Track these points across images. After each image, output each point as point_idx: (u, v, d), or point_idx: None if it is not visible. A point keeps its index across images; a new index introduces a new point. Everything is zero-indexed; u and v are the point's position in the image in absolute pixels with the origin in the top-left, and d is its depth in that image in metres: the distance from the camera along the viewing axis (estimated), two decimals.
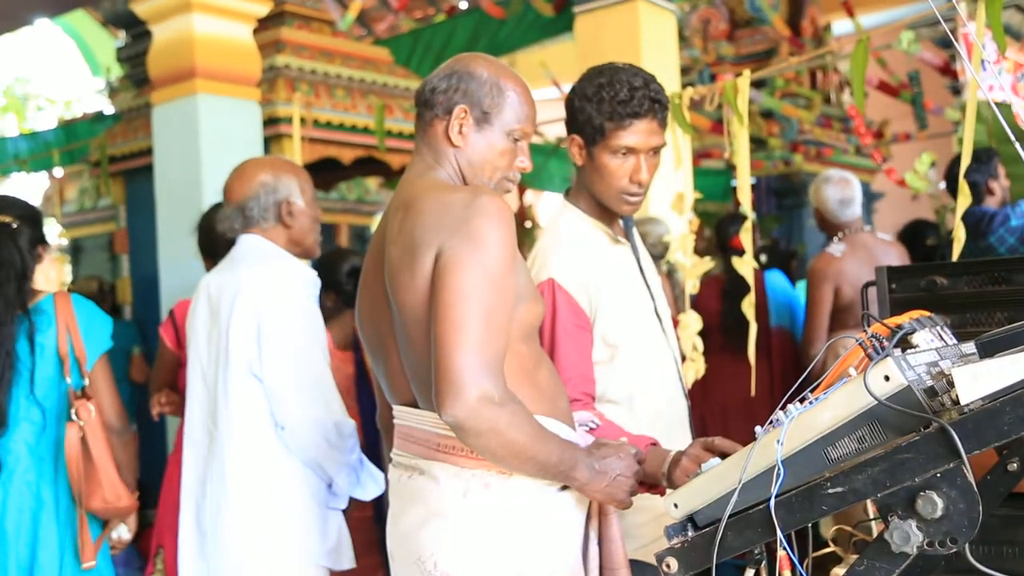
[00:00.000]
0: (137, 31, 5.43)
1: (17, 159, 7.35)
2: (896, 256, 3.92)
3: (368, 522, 3.62)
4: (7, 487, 2.46)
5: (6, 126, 15.06)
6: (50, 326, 2.52)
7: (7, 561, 2.42)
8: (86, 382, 2.54)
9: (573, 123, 2.08)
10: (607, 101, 1.99)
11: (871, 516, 1.48)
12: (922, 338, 1.29)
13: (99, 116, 7.05)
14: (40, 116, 15.37)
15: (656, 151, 2.06)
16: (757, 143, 7.70)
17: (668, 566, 1.30)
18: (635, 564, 1.86)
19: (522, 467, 1.54)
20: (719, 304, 4.41)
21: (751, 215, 3.08)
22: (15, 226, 2.52)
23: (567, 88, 2.17)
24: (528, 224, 7.33)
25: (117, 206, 5.32)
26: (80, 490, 2.46)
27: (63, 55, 14.68)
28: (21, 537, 2.45)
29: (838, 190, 3.93)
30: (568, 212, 2.15)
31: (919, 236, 4.71)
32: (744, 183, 2.99)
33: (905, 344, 1.27)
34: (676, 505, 1.35)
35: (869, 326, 1.35)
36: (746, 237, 3.05)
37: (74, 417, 2.46)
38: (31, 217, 2.58)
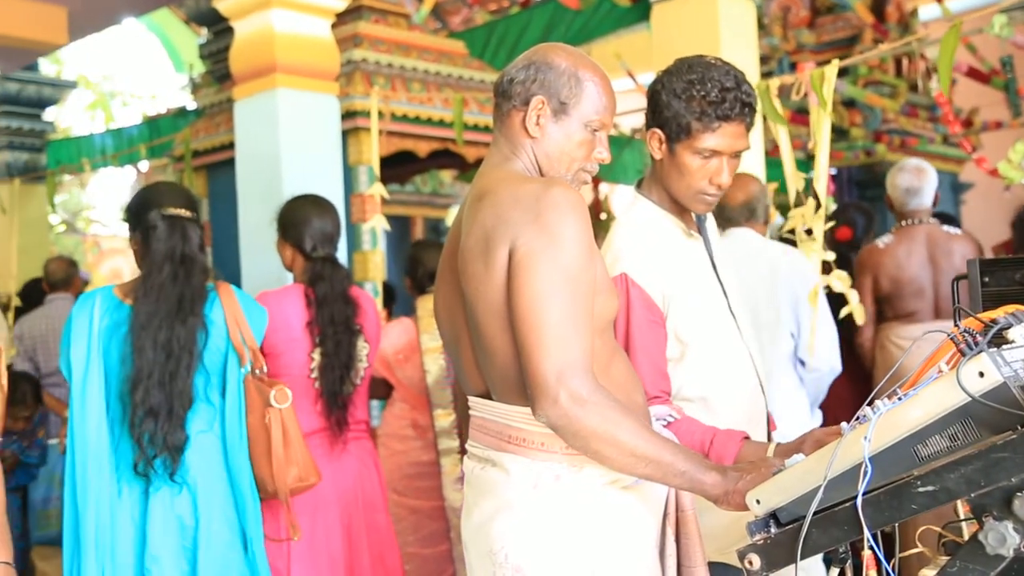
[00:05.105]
0: (219, 28, 5.55)
1: (105, 154, 7.59)
2: (962, 250, 3.85)
3: (439, 511, 3.65)
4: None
5: (95, 122, 15.57)
6: (220, 317, 2.61)
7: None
8: (258, 371, 2.64)
9: (657, 117, 2.01)
10: (697, 100, 1.93)
11: (962, 516, 1.43)
12: (1018, 333, 1.24)
13: (182, 112, 7.24)
14: (126, 112, 15.84)
15: (739, 154, 2.00)
16: (838, 133, 7.52)
17: (751, 563, 1.28)
18: (716, 566, 1.83)
19: (635, 467, 1.50)
20: None
21: (824, 206, 3.02)
22: (192, 218, 2.63)
23: (642, 79, 2.13)
24: (603, 216, 7.29)
25: (200, 200, 5.45)
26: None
27: (147, 52, 15.11)
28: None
29: (907, 178, 3.90)
30: (640, 204, 2.10)
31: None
32: (821, 172, 2.93)
33: (1000, 340, 1.23)
34: (758, 501, 1.33)
35: (961, 320, 1.31)
36: (818, 226, 3.00)
37: (274, 403, 2.57)
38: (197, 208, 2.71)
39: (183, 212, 2.61)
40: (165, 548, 2.46)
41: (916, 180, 3.89)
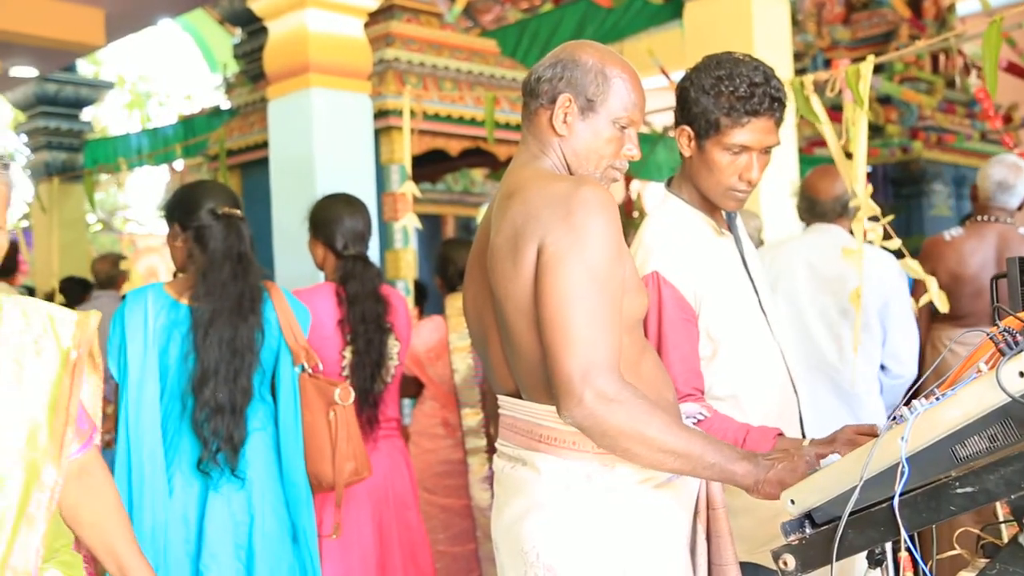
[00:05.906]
0: (253, 28, 5.60)
1: (141, 154, 7.69)
2: None
3: (468, 510, 3.66)
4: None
5: (131, 122, 15.77)
6: (273, 316, 2.64)
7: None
8: (311, 369, 2.67)
9: (686, 114, 2.00)
10: (725, 96, 1.92)
11: (1002, 518, 1.41)
12: None
13: (217, 111, 7.31)
14: (161, 112, 16.03)
15: (769, 149, 1.99)
16: (874, 130, 7.44)
17: (785, 563, 1.27)
18: (748, 567, 1.81)
19: (665, 462, 1.49)
20: None
21: (865, 205, 2.96)
22: (243, 217, 2.64)
23: (675, 76, 2.12)
24: (636, 214, 7.26)
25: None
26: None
27: (182, 53, 15.27)
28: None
29: (1002, 171, 3.69)
30: (671, 202, 2.09)
31: None
32: (858, 171, 2.88)
33: None
34: (793, 501, 1.32)
35: (1000, 319, 1.29)
36: (857, 227, 2.95)
37: (338, 400, 2.62)
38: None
39: (236, 211, 2.62)
40: (222, 545, 2.48)
41: (1011, 176, 3.67)
